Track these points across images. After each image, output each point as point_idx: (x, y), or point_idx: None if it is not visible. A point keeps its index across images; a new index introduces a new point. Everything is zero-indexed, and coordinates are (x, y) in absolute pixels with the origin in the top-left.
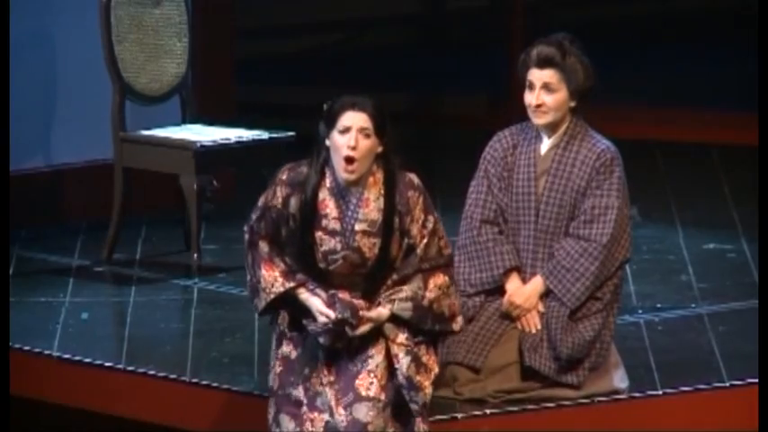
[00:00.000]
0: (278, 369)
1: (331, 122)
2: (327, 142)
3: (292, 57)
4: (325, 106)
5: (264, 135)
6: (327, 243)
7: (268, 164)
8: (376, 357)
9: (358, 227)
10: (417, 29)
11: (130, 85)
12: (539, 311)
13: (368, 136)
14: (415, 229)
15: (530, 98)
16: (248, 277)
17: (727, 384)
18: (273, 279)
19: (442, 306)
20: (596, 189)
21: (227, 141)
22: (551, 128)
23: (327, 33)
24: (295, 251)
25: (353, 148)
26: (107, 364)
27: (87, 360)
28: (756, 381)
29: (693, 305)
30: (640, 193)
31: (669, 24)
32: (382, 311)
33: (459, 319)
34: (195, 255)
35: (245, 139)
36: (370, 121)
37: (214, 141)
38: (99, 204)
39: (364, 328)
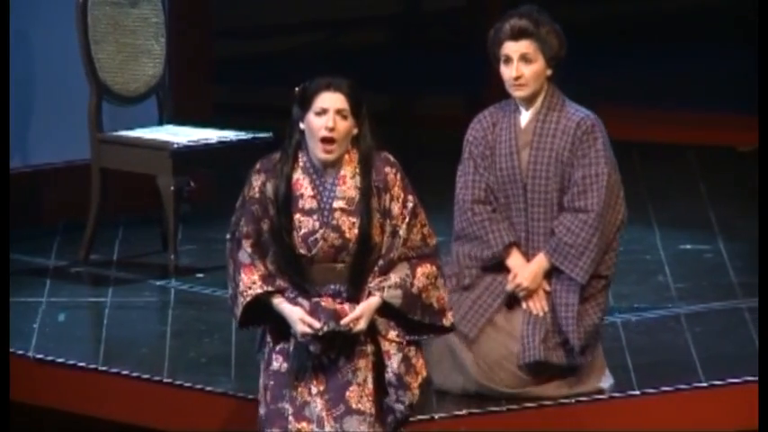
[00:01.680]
0: (270, 383)
1: (306, 104)
2: (302, 125)
3: (269, 57)
4: (296, 89)
5: (242, 135)
6: (306, 224)
7: (245, 164)
8: (363, 371)
9: (336, 204)
10: (395, 29)
11: (107, 85)
12: (545, 291)
13: (345, 117)
14: (396, 209)
15: (508, 72)
16: (229, 291)
17: (705, 385)
18: (252, 282)
19: (431, 297)
20: (583, 158)
21: (204, 142)
22: (530, 100)
23: (305, 34)
24: (277, 246)
25: (332, 130)
26: (84, 365)
27: (64, 361)
28: (734, 381)
29: (670, 305)
30: None
31: (643, 25)
32: (372, 300)
33: (450, 315)
34: (172, 255)
35: (222, 140)
36: (347, 101)
37: (191, 142)
38: (76, 205)
39: (361, 325)
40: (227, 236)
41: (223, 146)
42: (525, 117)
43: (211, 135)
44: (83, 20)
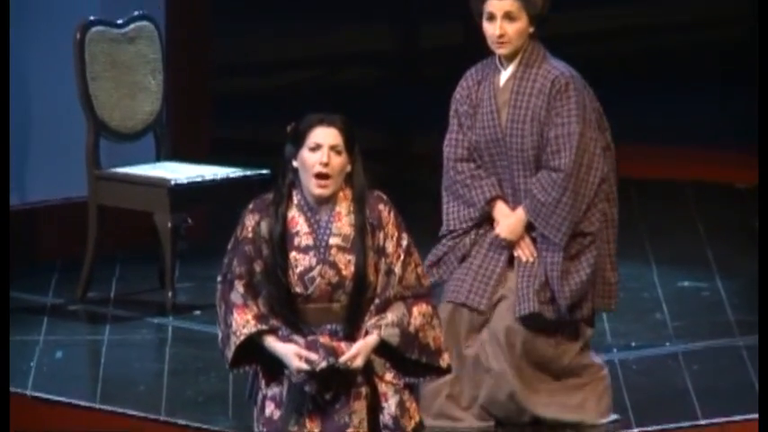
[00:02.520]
0: (263, 431)
1: (299, 140)
2: (295, 163)
3: (267, 93)
4: (288, 128)
5: (239, 172)
6: (302, 262)
7: (243, 201)
8: (359, 413)
9: (332, 241)
10: (392, 66)
11: (105, 122)
12: (531, 237)
13: (339, 153)
14: (390, 247)
15: (491, 29)
16: (219, 334)
17: (704, 423)
18: (245, 321)
19: (428, 337)
20: (556, 117)
21: (201, 179)
22: (511, 56)
23: (302, 70)
24: (271, 286)
25: (326, 165)
26: (82, 403)
27: (62, 399)
28: (734, 419)
29: (668, 343)
30: None
31: (640, 62)
32: (370, 338)
33: (446, 356)
34: (170, 293)
35: (219, 177)
36: (341, 136)
37: (188, 179)
38: (73, 242)
39: (359, 362)
40: (219, 278)
41: (221, 183)
42: (504, 76)
43: (209, 172)
44: (80, 56)
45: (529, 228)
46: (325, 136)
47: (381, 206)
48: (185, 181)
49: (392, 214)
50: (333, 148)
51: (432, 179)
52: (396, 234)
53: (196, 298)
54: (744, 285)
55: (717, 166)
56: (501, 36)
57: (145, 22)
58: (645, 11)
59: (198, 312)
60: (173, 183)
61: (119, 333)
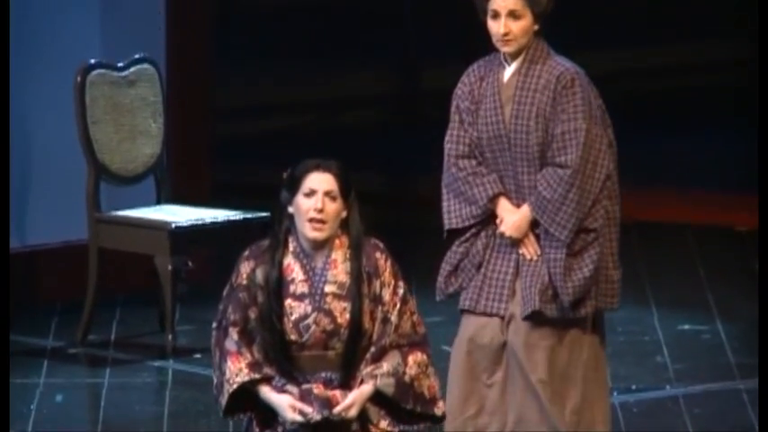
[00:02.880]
0: None
1: (294, 186)
2: (290, 209)
3: (267, 137)
4: (284, 174)
5: (239, 215)
6: (297, 309)
7: (243, 244)
8: None
9: (328, 288)
10: (392, 109)
11: (105, 165)
12: (535, 234)
13: (334, 199)
14: (387, 295)
15: (496, 27)
16: (214, 380)
17: None
18: (239, 369)
19: (423, 386)
20: (562, 113)
21: (201, 222)
22: (516, 54)
23: (302, 113)
24: (266, 333)
25: (320, 211)
26: None
27: None
28: None
29: (668, 386)
30: None
31: (640, 104)
32: (365, 388)
33: (441, 404)
34: (170, 336)
35: (219, 220)
36: (336, 182)
37: (189, 222)
38: (74, 285)
39: (353, 412)
40: (214, 324)
41: (221, 226)
42: (509, 72)
43: (209, 215)
44: (81, 100)
45: (532, 225)
46: (319, 182)
47: (378, 254)
48: (186, 224)
49: (389, 262)
50: (327, 193)
51: (433, 220)
52: (392, 282)
53: (196, 341)
54: (744, 329)
55: (717, 209)
56: (506, 34)
57: (145, 65)
58: (645, 54)
59: (198, 355)
60: (173, 226)
61: (119, 376)
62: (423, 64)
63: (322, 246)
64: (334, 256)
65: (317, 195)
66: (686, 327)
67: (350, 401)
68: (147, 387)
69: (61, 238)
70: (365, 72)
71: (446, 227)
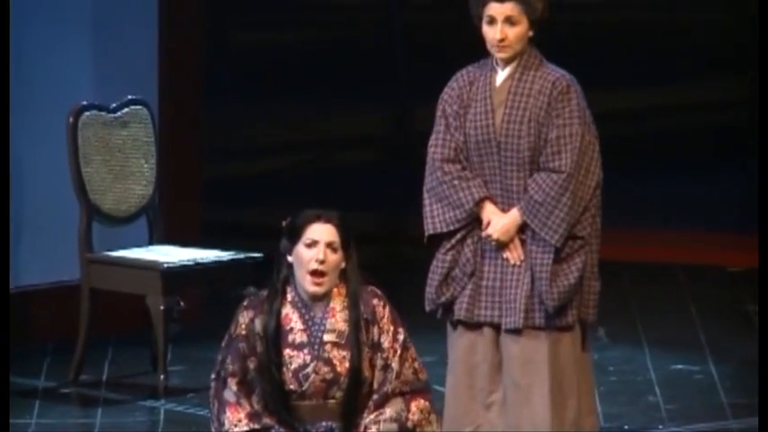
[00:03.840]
0: None
1: (295, 236)
2: (290, 258)
3: (260, 177)
4: (284, 223)
5: (231, 256)
6: (296, 359)
7: (236, 284)
8: None
9: (327, 337)
10: (384, 149)
11: (97, 206)
12: (521, 239)
13: (335, 250)
14: (386, 342)
15: (492, 33)
16: (212, 430)
17: None
18: (237, 420)
19: None
20: (557, 118)
21: (193, 262)
22: (509, 60)
23: (294, 153)
24: (265, 383)
25: (322, 262)
26: None
27: None
28: None
29: (661, 426)
30: (607, 314)
31: (628, 144)
32: None
33: None
34: (162, 376)
35: (212, 260)
36: (338, 234)
37: (181, 262)
38: (65, 325)
39: None
40: (212, 375)
41: (213, 266)
42: (501, 76)
43: (201, 255)
44: (73, 140)
45: (518, 230)
46: (321, 233)
47: (375, 300)
48: (177, 264)
49: (387, 309)
50: (329, 245)
51: (426, 258)
52: (391, 329)
53: (188, 381)
54: (736, 368)
55: (709, 249)
56: (502, 40)
57: (138, 107)
58: (632, 95)
59: (191, 395)
60: (165, 266)
61: (111, 416)
62: (415, 103)
63: (321, 296)
64: (332, 304)
65: (318, 246)
66: (679, 366)
67: None
68: (139, 427)
69: (53, 279)
70: (356, 113)
71: (428, 231)
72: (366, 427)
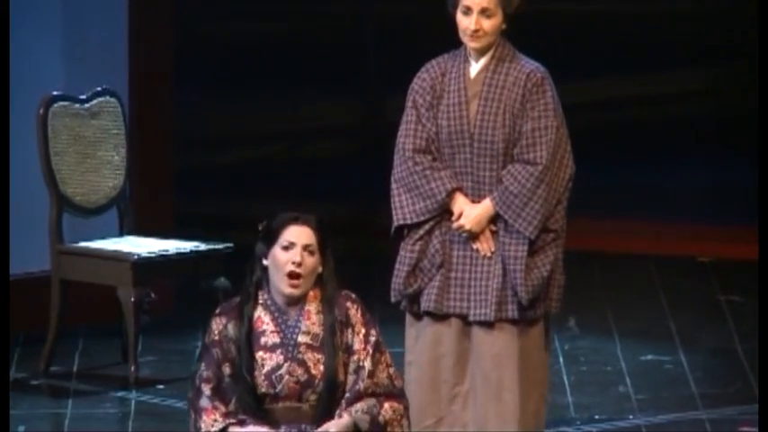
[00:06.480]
0: None
1: (271, 238)
2: (265, 262)
3: (230, 168)
4: (260, 226)
5: (202, 246)
6: (269, 361)
7: (206, 276)
8: None
9: (301, 339)
10: (356, 140)
11: (68, 197)
12: (491, 231)
13: (312, 253)
14: (357, 343)
15: (466, 22)
16: None
17: None
18: (213, 420)
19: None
20: (532, 111)
21: (164, 253)
22: (483, 51)
23: (265, 144)
24: (240, 388)
25: (299, 265)
26: None
27: None
28: None
29: (631, 416)
30: (578, 305)
31: (599, 135)
32: (342, 420)
33: None
34: (132, 367)
35: (182, 251)
36: (315, 236)
37: (152, 253)
38: (36, 316)
39: None
40: (191, 384)
41: (184, 257)
42: (475, 68)
43: (172, 246)
44: (43, 132)
45: (489, 221)
46: (298, 235)
47: (349, 303)
48: (148, 255)
49: (359, 311)
50: (306, 247)
51: (397, 250)
52: (363, 331)
53: (159, 372)
54: (706, 358)
55: (679, 239)
56: (476, 30)
57: (108, 98)
58: (606, 84)
59: (161, 386)
60: (135, 257)
61: (82, 407)
62: (387, 95)
63: (296, 299)
64: (307, 307)
65: (295, 248)
66: (649, 357)
67: (324, 428)
68: (110, 418)
69: (24, 270)
70: (329, 103)
71: (397, 222)
72: (340, 414)
